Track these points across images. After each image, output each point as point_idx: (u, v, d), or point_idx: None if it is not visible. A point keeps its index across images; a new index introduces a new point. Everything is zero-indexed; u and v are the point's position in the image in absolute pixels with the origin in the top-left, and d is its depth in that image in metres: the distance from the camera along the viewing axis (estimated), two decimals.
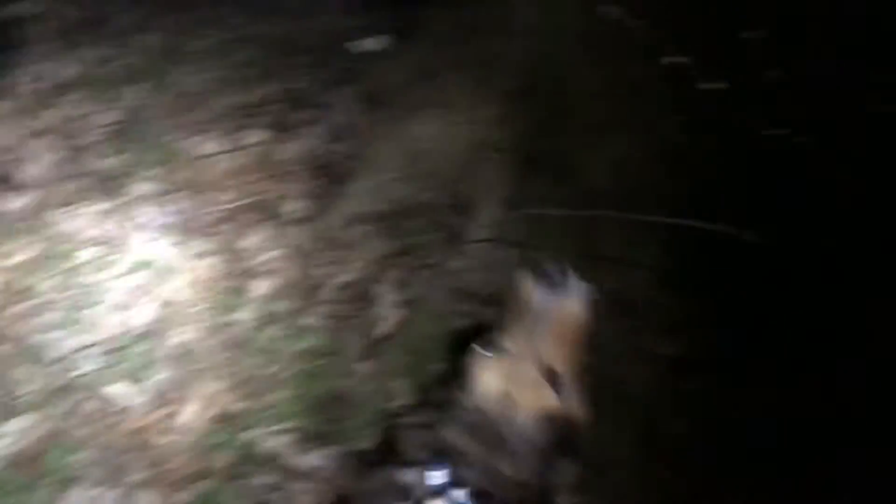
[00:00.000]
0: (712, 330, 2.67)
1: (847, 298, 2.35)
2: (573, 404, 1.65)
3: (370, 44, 3.99)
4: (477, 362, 1.69)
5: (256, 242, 3.17)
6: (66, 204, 3.23)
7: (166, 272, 3.04)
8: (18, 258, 3.02)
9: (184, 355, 2.84)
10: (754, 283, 2.56)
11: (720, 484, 2.50)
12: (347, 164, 3.41)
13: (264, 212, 3.29)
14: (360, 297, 2.98)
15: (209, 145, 3.53)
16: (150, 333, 2.87)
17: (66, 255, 3.03)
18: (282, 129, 3.62)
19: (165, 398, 2.75)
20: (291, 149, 3.53)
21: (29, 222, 3.15)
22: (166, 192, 3.33)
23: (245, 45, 4.05)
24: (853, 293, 2.28)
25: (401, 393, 2.73)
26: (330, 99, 3.73)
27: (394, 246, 3.08)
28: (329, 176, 3.39)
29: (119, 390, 2.73)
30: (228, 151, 3.51)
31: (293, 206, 3.29)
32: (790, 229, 2.23)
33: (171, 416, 2.72)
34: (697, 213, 2.51)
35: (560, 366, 1.65)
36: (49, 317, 2.87)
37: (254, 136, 3.58)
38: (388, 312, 2.92)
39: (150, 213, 3.23)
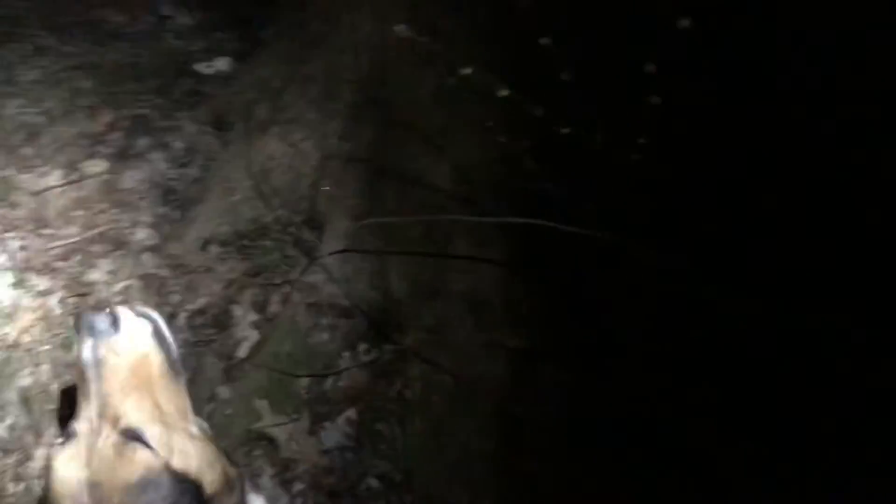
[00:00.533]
0: (560, 322, 2.78)
1: (686, 290, 2.47)
2: (176, 453, 1.43)
3: (214, 66, 3.95)
4: (50, 458, 1.45)
5: (106, 274, 3.09)
6: None
7: (11, 312, 2.92)
8: None
9: (35, 397, 2.74)
10: (594, 273, 2.67)
11: (583, 472, 2.61)
12: (196, 188, 3.37)
13: (113, 242, 3.20)
14: (217, 321, 2.94)
15: (50, 178, 3.40)
16: None
17: None
18: (127, 156, 3.54)
19: (17, 443, 2.64)
20: (137, 176, 3.45)
21: None
22: (5, 230, 3.19)
23: (84, 73, 3.92)
24: (691, 285, 2.41)
25: (265, 413, 2.73)
26: (175, 123, 3.67)
27: (248, 266, 3.06)
28: (178, 201, 3.34)
29: None
30: (71, 183, 3.39)
31: (143, 234, 3.22)
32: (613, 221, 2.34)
33: (23, 462, 2.61)
34: (537, 210, 2.61)
35: (138, 418, 1.44)
36: None
37: (98, 166, 3.48)
38: (247, 333, 2.91)
39: None
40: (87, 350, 1.48)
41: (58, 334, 2.88)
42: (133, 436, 1.38)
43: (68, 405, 2.49)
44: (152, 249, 3.17)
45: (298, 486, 2.65)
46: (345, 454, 2.74)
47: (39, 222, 3.25)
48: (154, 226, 3.27)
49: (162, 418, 1.45)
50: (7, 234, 3.18)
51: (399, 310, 2.92)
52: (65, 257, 3.13)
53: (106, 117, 3.71)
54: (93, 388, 1.45)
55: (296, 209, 3.12)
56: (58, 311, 2.95)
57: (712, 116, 2.60)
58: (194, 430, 1.49)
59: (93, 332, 1.50)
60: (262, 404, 2.75)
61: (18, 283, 3.01)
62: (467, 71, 2.48)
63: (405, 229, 2.91)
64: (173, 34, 4.16)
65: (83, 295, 3.00)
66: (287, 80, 3.31)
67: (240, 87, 3.66)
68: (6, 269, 3.04)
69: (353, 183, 3.07)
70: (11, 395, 2.72)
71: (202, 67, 3.97)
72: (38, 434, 2.66)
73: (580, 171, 2.50)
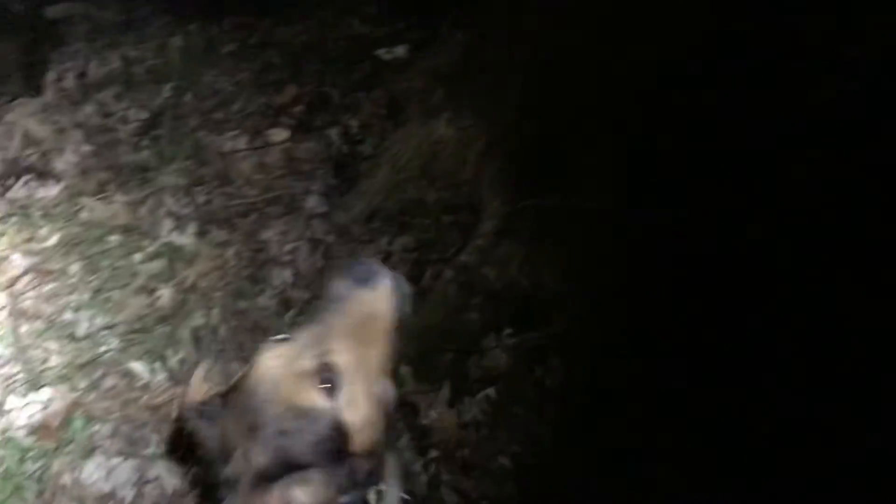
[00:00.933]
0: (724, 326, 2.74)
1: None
2: (351, 404, 1.48)
3: (394, 52, 4.12)
4: (263, 348, 1.57)
5: (278, 234, 3.31)
6: (99, 192, 3.39)
7: (191, 259, 3.18)
8: (52, 241, 3.18)
9: (204, 337, 2.98)
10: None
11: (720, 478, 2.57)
12: (366, 164, 3.54)
13: (286, 206, 3.43)
14: None
15: (237, 142, 3.68)
16: (172, 315, 3.01)
17: (97, 240, 3.18)
18: (307, 129, 3.76)
19: (185, 376, 2.88)
20: (314, 148, 3.67)
21: (64, 208, 3.31)
22: (194, 185, 3.48)
23: (276, 49, 4.19)
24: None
25: (409, 380, 2.85)
26: (353, 102, 3.86)
27: (407, 241, 3.21)
28: (349, 174, 3.52)
29: (140, 368, 2.87)
30: (255, 148, 3.66)
31: (314, 202, 3.43)
32: None
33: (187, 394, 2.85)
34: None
35: (342, 359, 1.50)
36: (79, 296, 3.02)
37: (280, 135, 3.73)
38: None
39: (177, 204, 3.38)
40: (338, 287, 1.59)
41: (230, 283, 3.12)
42: (327, 371, 1.48)
43: None
44: (321, 216, 3.37)
45: (433, 454, 2.76)
46: (480, 430, 2.83)
47: (224, 180, 3.52)
48: (325, 195, 3.47)
49: (358, 371, 1.52)
50: (195, 188, 3.46)
51: (547, 298, 2.97)
52: (243, 214, 3.39)
53: (291, 91, 3.96)
54: (326, 317, 1.57)
55: (458, 191, 3.23)
56: (232, 262, 3.20)
57: None
58: (376, 389, 1.56)
59: (351, 276, 1.60)
60: (406, 371, 2.86)
61: (200, 233, 3.28)
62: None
63: (562, 218, 2.95)
64: (359, 20, 4.37)
65: (256, 251, 3.24)
66: (461, 67, 3.43)
67: (415, 74, 3.80)
68: (191, 218, 3.32)
69: (516, 170, 3.14)
70: (184, 333, 2.97)
71: (382, 53, 4.15)
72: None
73: None
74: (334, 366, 1.49)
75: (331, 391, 1.48)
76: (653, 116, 2.82)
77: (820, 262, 2.50)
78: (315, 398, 1.46)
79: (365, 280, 1.58)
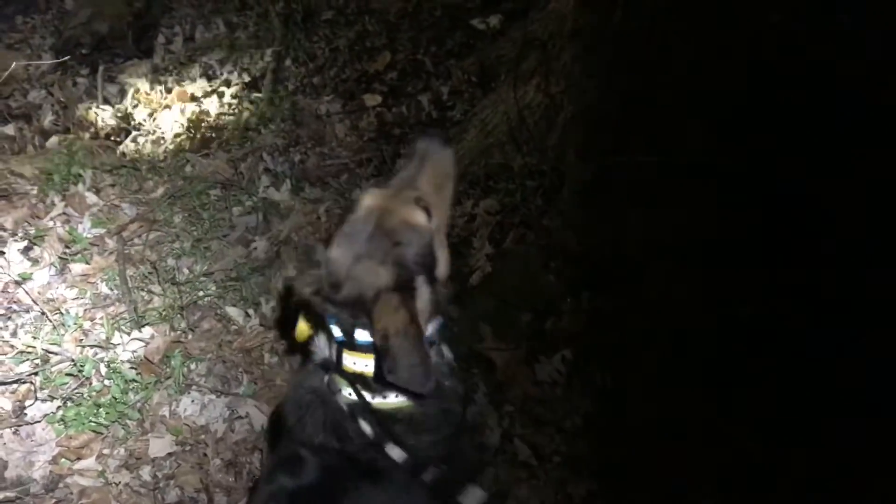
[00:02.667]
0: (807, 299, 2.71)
1: None
2: (437, 228, 1.81)
3: (488, 21, 4.18)
4: (364, 190, 1.90)
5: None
6: (202, 149, 3.57)
7: (285, 214, 3.33)
8: (158, 193, 3.37)
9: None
10: None
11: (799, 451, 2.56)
12: (455, 129, 3.62)
13: (376, 167, 3.55)
14: (456, 249, 3.16)
15: (331, 105, 3.81)
16: (266, 266, 3.16)
17: (199, 193, 3.36)
18: (399, 94, 3.87)
19: (276, 323, 3.03)
20: (405, 113, 3.77)
21: (169, 163, 3.51)
22: (290, 145, 3.63)
23: (370, 17, 4.30)
24: None
25: (488, 337, 2.93)
26: (444, 69, 3.94)
27: (491, 204, 3.27)
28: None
29: (235, 313, 3.03)
30: (349, 112, 3.78)
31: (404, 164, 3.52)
32: None
33: (279, 339, 3.00)
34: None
35: (431, 200, 1.82)
36: (181, 245, 3.20)
37: (373, 100, 3.84)
38: (481, 264, 3.11)
39: (274, 162, 3.54)
40: (423, 144, 1.96)
41: (322, 238, 3.25)
42: (423, 202, 1.81)
43: None
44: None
45: (508, 409, 2.83)
46: (555, 389, 2.89)
47: (318, 141, 3.67)
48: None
49: (437, 210, 1.85)
50: (291, 148, 3.61)
51: (628, 264, 2.99)
52: (335, 174, 3.52)
53: (385, 58, 4.07)
54: (415, 165, 1.92)
55: (543, 157, 3.27)
56: (324, 218, 3.33)
57: None
58: (443, 239, 1.88)
59: (432, 137, 1.98)
60: (485, 329, 2.94)
61: (295, 190, 3.43)
62: None
63: (648, 182, 2.95)
64: None
65: (347, 209, 3.34)
66: (553, 36, 3.44)
67: (507, 42, 3.85)
68: (287, 176, 3.47)
69: (602, 136, 3.16)
70: (277, 283, 3.12)
71: (476, 22, 4.22)
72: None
73: None
74: (427, 203, 1.81)
75: (427, 212, 1.79)
76: (745, 78, 2.79)
77: None
78: (420, 217, 1.78)
79: (444, 141, 1.97)
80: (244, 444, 2.74)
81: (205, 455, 2.70)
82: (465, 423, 1.93)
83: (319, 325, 1.86)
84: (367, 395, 1.76)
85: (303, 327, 1.91)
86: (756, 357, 2.75)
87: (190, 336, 2.96)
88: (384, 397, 1.76)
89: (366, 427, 1.72)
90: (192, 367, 2.90)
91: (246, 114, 3.77)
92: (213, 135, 3.65)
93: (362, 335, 1.72)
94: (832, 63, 2.55)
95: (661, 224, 2.91)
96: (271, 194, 3.40)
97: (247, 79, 3.96)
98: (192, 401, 2.83)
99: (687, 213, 2.83)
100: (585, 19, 3.26)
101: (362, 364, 1.73)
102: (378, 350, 1.67)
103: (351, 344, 1.74)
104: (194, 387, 2.85)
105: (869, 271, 2.54)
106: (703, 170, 2.64)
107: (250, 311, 3.04)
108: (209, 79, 4.00)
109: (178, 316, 2.99)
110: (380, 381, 1.71)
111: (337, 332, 1.76)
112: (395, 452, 1.70)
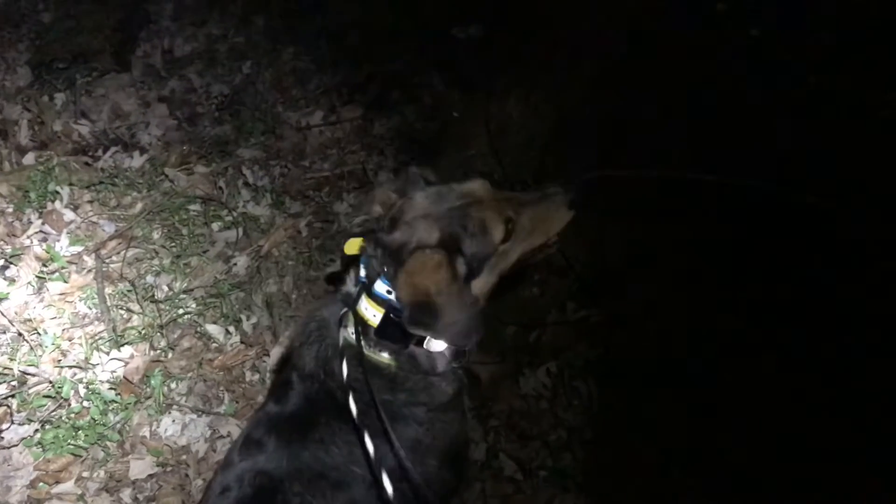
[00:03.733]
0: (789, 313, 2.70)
1: None
2: (502, 253, 1.84)
3: (469, 31, 4.15)
4: (475, 178, 1.92)
5: (349, 207, 3.40)
6: (181, 164, 3.53)
7: (266, 228, 3.30)
8: (137, 208, 3.33)
9: (277, 303, 3.09)
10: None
11: (783, 462, 2.55)
12: (437, 140, 3.59)
13: (358, 180, 3.52)
14: None
15: (312, 117, 3.78)
16: (247, 282, 3.13)
17: (178, 209, 3.32)
18: (380, 106, 3.84)
19: (258, 340, 3.00)
20: (387, 124, 3.75)
21: (148, 178, 3.47)
22: (270, 158, 3.59)
23: (352, 29, 4.27)
24: None
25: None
26: (426, 81, 3.91)
27: None
28: (419, 150, 3.58)
29: (216, 330, 2.99)
30: (330, 124, 3.75)
31: (384, 176, 3.51)
32: None
33: (260, 355, 2.97)
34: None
35: (520, 230, 1.87)
36: (160, 261, 3.16)
37: (354, 112, 3.81)
38: None
39: (254, 176, 3.50)
40: (554, 190, 1.99)
41: (303, 252, 3.23)
42: (511, 224, 1.84)
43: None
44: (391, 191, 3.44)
45: (493, 423, 2.82)
46: (540, 403, 2.87)
47: (299, 154, 3.63)
48: (395, 170, 3.54)
49: (516, 243, 1.88)
50: (272, 162, 3.58)
51: (613, 275, 2.98)
52: (317, 187, 3.49)
53: (366, 70, 4.04)
54: (533, 199, 1.95)
55: (525, 167, 3.26)
56: (305, 232, 3.30)
57: None
58: (502, 268, 1.91)
59: (566, 194, 2.00)
60: None
61: (275, 204, 3.39)
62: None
63: (631, 194, 2.93)
64: (435, 0, 4.42)
65: (328, 222, 3.33)
66: (535, 45, 3.44)
67: (488, 52, 3.83)
68: (267, 190, 3.44)
69: (584, 145, 3.15)
70: (258, 299, 3.09)
71: (457, 32, 4.19)
72: (275, 335, 3.01)
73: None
74: (516, 226, 1.86)
75: (507, 235, 1.84)
76: (723, 89, 2.79)
77: None
78: (499, 229, 1.82)
79: (571, 204, 2.00)
80: None
81: (186, 476, 2.67)
82: (457, 405, 1.99)
83: (354, 262, 1.93)
84: (363, 343, 1.81)
85: (354, 242, 1.93)
86: (740, 366, 2.75)
87: (170, 355, 2.93)
88: (377, 352, 1.83)
89: (344, 368, 1.77)
90: (173, 386, 2.87)
91: (226, 127, 3.72)
92: (193, 149, 3.60)
93: (380, 286, 1.79)
94: (804, 75, 2.56)
95: (643, 237, 2.90)
96: (251, 209, 3.37)
97: (226, 91, 3.92)
98: (173, 421, 2.80)
99: (668, 225, 2.82)
100: (568, 32, 3.24)
101: (372, 313, 1.79)
102: (391, 306, 1.76)
103: (370, 290, 1.80)
104: (175, 406, 2.82)
105: (847, 280, 2.54)
106: (683, 183, 2.62)
107: (231, 329, 3.01)
108: (188, 91, 3.95)
109: (158, 334, 2.96)
110: (379, 335, 1.80)
111: (363, 274, 1.84)
112: (353, 405, 1.72)
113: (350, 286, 1.94)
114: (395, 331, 1.78)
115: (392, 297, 1.76)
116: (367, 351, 1.81)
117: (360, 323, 1.82)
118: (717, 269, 2.76)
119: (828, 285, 2.62)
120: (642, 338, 2.90)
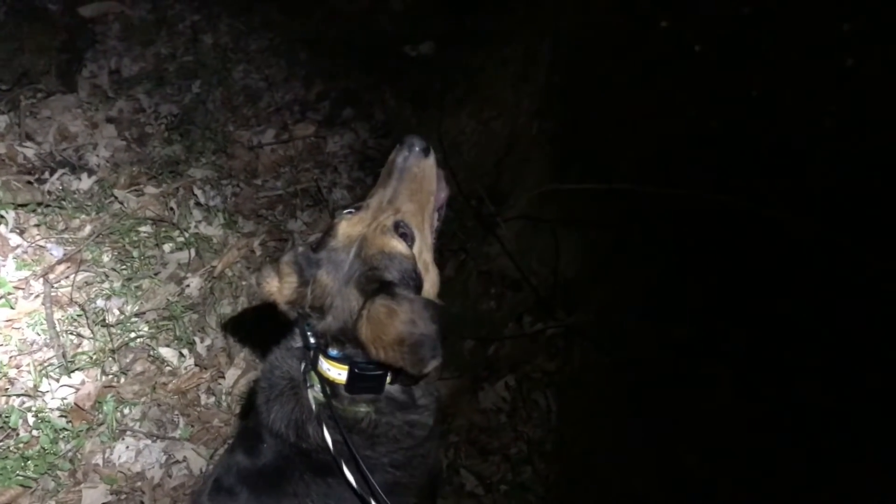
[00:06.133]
0: (739, 319, 2.74)
1: None
2: (419, 252, 1.78)
3: (420, 48, 4.18)
4: (339, 219, 1.82)
5: (303, 225, 3.38)
6: (131, 185, 3.47)
7: (218, 249, 3.26)
8: (86, 231, 3.26)
9: (231, 324, 3.05)
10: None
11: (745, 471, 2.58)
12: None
13: (312, 198, 3.51)
14: None
15: (264, 136, 3.75)
16: (200, 303, 3.08)
17: (128, 231, 3.27)
18: (333, 123, 3.83)
19: (212, 362, 2.96)
20: (340, 142, 3.74)
21: (97, 200, 3.40)
22: (222, 178, 3.56)
23: (304, 46, 4.26)
24: None
25: None
26: (378, 97, 3.92)
27: None
28: (373, 167, 3.58)
29: (169, 353, 2.94)
30: (282, 142, 3.73)
31: (338, 194, 3.50)
32: None
33: (215, 378, 2.93)
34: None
35: (411, 219, 1.78)
36: (110, 284, 3.10)
37: (306, 129, 3.80)
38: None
39: (206, 196, 3.46)
40: (401, 158, 1.87)
41: (256, 272, 3.19)
42: (403, 227, 1.77)
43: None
44: (346, 208, 3.42)
45: (453, 439, 2.81)
46: (500, 417, 2.87)
47: (251, 173, 3.60)
48: (349, 188, 3.54)
49: (422, 232, 1.82)
50: (223, 181, 3.54)
51: (568, 288, 3.01)
52: (270, 206, 3.47)
53: (318, 87, 4.03)
54: (393, 183, 1.84)
55: (480, 182, 3.27)
56: (259, 251, 3.27)
57: None
58: (430, 258, 1.86)
59: (411, 148, 1.89)
60: None
61: (228, 224, 3.36)
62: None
63: (584, 207, 2.97)
64: (386, 17, 4.42)
65: (282, 240, 3.30)
66: (485, 61, 3.46)
67: (440, 69, 3.85)
68: (219, 209, 3.40)
69: (538, 161, 3.18)
70: (212, 320, 3.05)
71: (409, 49, 4.21)
72: (230, 356, 2.97)
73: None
74: (407, 223, 1.78)
75: (408, 240, 1.76)
76: (676, 100, 2.84)
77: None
78: (399, 245, 1.74)
79: (424, 150, 1.90)
80: (182, 489, 2.67)
81: (142, 503, 2.61)
82: (434, 433, 1.93)
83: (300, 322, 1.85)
84: (335, 403, 1.75)
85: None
86: (697, 374, 2.78)
87: (122, 380, 2.87)
88: (353, 406, 1.77)
89: (328, 437, 1.73)
90: (126, 411, 2.81)
91: (175, 147, 3.68)
92: (142, 170, 3.55)
93: (333, 350, 1.73)
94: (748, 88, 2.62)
95: (597, 249, 2.94)
96: (203, 229, 3.32)
97: (175, 111, 3.87)
98: (127, 447, 2.74)
99: (622, 237, 2.86)
100: (517, 47, 3.27)
101: (336, 373, 1.73)
102: (353, 362, 1.70)
103: (326, 353, 1.74)
104: (128, 432, 2.76)
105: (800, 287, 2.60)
106: (636, 195, 2.67)
107: (185, 351, 2.96)
108: (137, 111, 3.90)
109: (110, 359, 2.90)
110: (350, 391, 1.74)
111: (312, 340, 1.77)
112: (351, 476, 1.71)
113: (300, 342, 1.87)
114: (363, 383, 1.74)
115: (348, 353, 1.72)
116: (344, 406, 1.76)
117: (327, 383, 1.76)
118: (671, 279, 2.80)
119: (781, 291, 2.68)
120: (598, 348, 2.93)
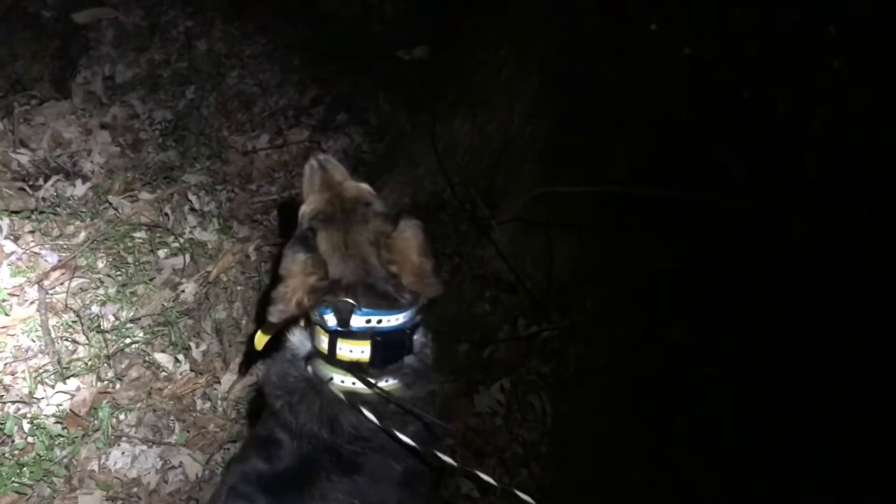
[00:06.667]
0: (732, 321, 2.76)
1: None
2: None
3: (413, 53, 4.19)
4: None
5: None
6: (125, 191, 3.47)
7: (213, 254, 3.26)
8: (80, 238, 3.26)
9: (226, 329, 3.06)
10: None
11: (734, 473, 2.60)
12: (385, 161, 3.60)
13: None
14: None
15: (258, 141, 3.76)
16: (195, 308, 3.09)
17: (123, 237, 3.27)
18: (326, 128, 3.85)
19: (208, 367, 2.96)
20: (334, 146, 3.75)
21: (91, 206, 3.40)
22: (216, 183, 3.56)
23: (297, 52, 4.27)
24: None
25: None
26: (373, 102, 3.93)
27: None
28: (368, 171, 3.59)
29: (165, 359, 2.95)
30: (276, 147, 3.74)
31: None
32: None
33: (211, 383, 2.93)
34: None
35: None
36: (105, 291, 3.10)
37: (300, 134, 3.81)
38: None
39: (200, 201, 3.46)
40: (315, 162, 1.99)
41: (251, 277, 3.20)
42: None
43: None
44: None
45: (448, 442, 2.81)
46: (495, 420, 2.88)
47: (245, 178, 3.61)
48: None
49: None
50: (218, 186, 3.55)
51: (562, 290, 3.01)
52: (265, 211, 3.47)
53: (312, 92, 4.05)
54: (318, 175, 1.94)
55: (474, 186, 3.28)
56: (253, 256, 3.27)
57: None
58: None
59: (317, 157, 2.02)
60: None
61: (223, 229, 3.36)
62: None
63: (578, 209, 2.99)
64: (379, 22, 4.45)
65: (276, 246, 3.31)
66: (479, 65, 3.47)
67: (434, 73, 3.86)
68: (214, 215, 3.41)
69: (532, 163, 3.19)
70: (207, 325, 3.06)
71: (402, 54, 4.23)
72: (226, 361, 2.97)
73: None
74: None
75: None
76: (668, 102, 2.86)
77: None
78: (368, 186, 1.92)
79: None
80: (178, 494, 2.67)
81: None
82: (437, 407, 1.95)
83: (306, 321, 1.87)
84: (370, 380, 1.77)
85: (260, 337, 1.88)
86: (691, 375, 2.79)
87: (118, 385, 2.87)
88: (384, 381, 1.79)
89: (370, 416, 1.72)
90: (122, 417, 2.81)
91: (170, 152, 3.68)
92: (137, 176, 3.55)
93: (357, 321, 1.74)
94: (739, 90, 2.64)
95: (591, 251, 2.95)
96: (198, 234, 3.32)
97: (170, 117, 3.88)
98: (123, 453, 2.74)
99: (616, 239, 2.87)
100: (511, 50, 3.28)
101: (358, 351, 1.75)
102: (375, 333, 1.73)
103: (346, 332, 1.75)
104: (124, 438, 2.76)
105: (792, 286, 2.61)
106: (629, 197, 2.68)
107: (180, 357, 2.96)
108: (131, 118, 3.90)
109: (105, 365, 2.90)
110: (375, 366, 1.77)
111: (332, 321, 1.76)
112: (409, 430, 1.74)
113: (303, 346, 1.90)
114: (388, 351, 1.77)
115: (374, 322, 1.75)
116: (380, 385, 1.77)
117: (351, 367, 1.77)
118: (665, 281, 2.81)
119: (776, 292, 2.69)
120: (593, 351, 2.94)
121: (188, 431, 2.81)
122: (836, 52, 2.34)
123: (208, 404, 2.89)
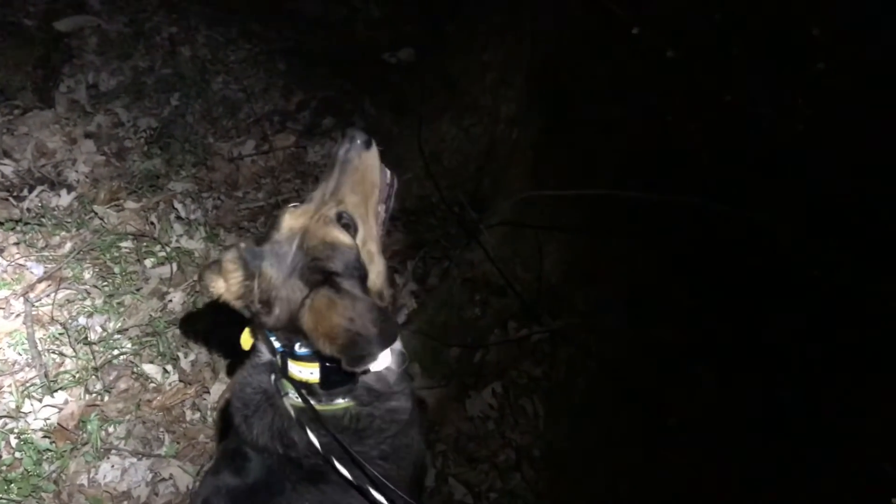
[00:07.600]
0: (721, 322, 2.76)
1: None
2: (363, 241, 1.78)
3: (399, 55, 4.18)
4: (283, 212, 1.83)
5: None
6: (111, 200, 3.45)
7: (201, 262, 3.24)
8: (66, 248, 3.24)
9: (215, 339, 3.03)
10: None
11: (728, 469, 2.59)
12: None
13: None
14: None
15: (244, 147, 3.74)
16: (184, 318, 3.06)
17: (109, 246, 3.24)
18: (313, 133, 3.83)
19: (197, 377, 2.94)
20: (321, 151, 3.73)
21: (76, 216, 3.37)
22: (203, 191, 3.54)
23: (282, 56, 4.26)
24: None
25: (417, 376, 2.88)
26: (359, 105, 3.91)
27: (413, 240, 3.26)
28: None
29: (153, 370, 2.92)
30: (262, 153, 3.71)
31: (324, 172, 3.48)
32: None
33: (200, 393, 2.91)
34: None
35: (354, 210, 1.79)
36: (92, 302, 3.08)
37: (286, 140, 3.79)
38: (406, 301, 3.08)
39: (186, 209, 3.44)
40: (342, 150, 1.88)
41: (200, 272, 3.17)
42: (345, 217, 1.77)
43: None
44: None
45: (441, 448, 2.80)
46: (487, 424, 2.87)
47: (232, 185, 3.59)
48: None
49: (365, 223, 1.82)
50: (204, 194, 3.53)
51: (552, 293, 3.00)
52: (251, 218, 3.45)
53: (297, 97, 4.03)
54: (335, 175, 1.85)
55: (462, 189, 3.27)
56: None
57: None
58: (375, 249, 1.85)
59: (353, 140, 1.89)
60: (414, 367, 2.90)
61: (210, 237, 3.34)
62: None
63: (566, 212, 2.98)
64: (364, 25, 4.43)
65: (270, 226, 3.28)
66: (465, 68, 3.46)
67: (420, 76, 3.85)
68: (201, 223, 3.38)
69: (519, 166, 3.18)
70: (195, 335, 3.03)
71: (387, 57, 4.21)
72: (215, 371, 2.95)
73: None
74: (350, 213, 1.79)
75: (351, 231, 1.77)
76: (653, 105, 2.86)
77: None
78: (342, 236, 1.74)
79: (366, 143, 1.89)
80: None
81: None
82: (414, 417, 1.91)
83: (260, 332, 1.84)
84: (313, 402, 1.75)
85: (246, 337, 1.88)
86: (682, 377, 2.79)
87: (106, 398, 2.84)
88: (331, 402, 1.77)
89: (313, 438, 1.71)
90: (111, 430, 2.78)
91: (155, 160, 3.65)
92: (122, 184, 3.52)
93: (302, 348, 1.72)
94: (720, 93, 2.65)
95: (581, 254, 2.94)
96: (185, 243, 3.30)
97: (154, 124, 3.85)
98: (112, 466, 2.71)
99: (605, 242, 2.87)
100: (496, 53, 3.27)
101: (307, 372, 1.74)
102: (322, 357, 1.68)
103: (294, 355, 1.74)
104: (113, 451, 2.73)
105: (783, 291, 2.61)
106: (616, 200, 2.67)
107: (168, 367, 2.94)
108: (115, 126, 3.87)
109: (93, 377, 2.87)
110: (326, 387, 1.75)
111: (278, 343, 1.76)
112: (343, 469, 1.69)
113: (266, 355, 1.88)
114: (337, 376, 1.74)
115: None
116: (322, 406, 1.76)
117: (300, 385, 1.76)
118: (654, 282, 2.81)
119: (764, 292, 2.69)
120: (584, 353, 2.93)
121: (178, 443, 2.78)
122: (819, 54, 2.33)
123: (198, 415, 2.87)
